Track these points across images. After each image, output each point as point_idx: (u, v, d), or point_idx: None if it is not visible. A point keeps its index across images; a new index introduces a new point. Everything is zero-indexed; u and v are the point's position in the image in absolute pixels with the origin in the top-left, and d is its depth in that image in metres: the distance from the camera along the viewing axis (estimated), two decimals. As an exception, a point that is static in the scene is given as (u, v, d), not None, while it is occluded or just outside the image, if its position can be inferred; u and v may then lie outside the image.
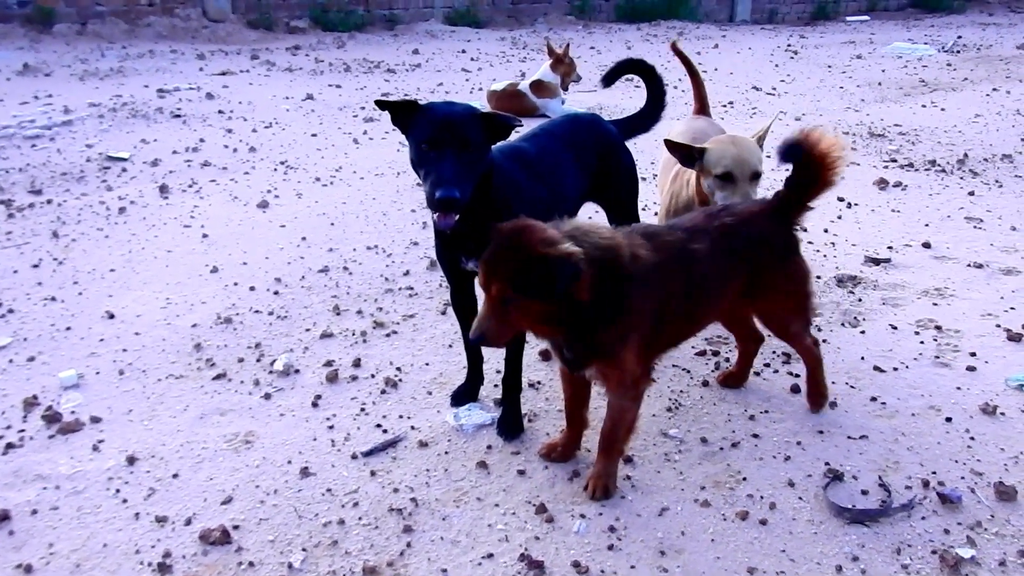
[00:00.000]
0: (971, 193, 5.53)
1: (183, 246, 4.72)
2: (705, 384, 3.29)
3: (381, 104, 2.66)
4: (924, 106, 8.25)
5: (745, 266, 2.77)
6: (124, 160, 6.27)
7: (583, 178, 3.27)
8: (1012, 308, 3.85)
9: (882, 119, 7.68)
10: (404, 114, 2.64)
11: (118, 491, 2.69)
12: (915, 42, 12.42)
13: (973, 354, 3.45)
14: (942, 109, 8.06)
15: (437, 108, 2.60)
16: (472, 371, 3.20)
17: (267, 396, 3.24)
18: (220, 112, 7.82)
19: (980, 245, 4.63)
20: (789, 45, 12.60)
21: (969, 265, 4.35)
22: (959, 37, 12.95)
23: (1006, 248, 4.58)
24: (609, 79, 3.79)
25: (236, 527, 2.52)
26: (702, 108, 4.34)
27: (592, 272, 2.33)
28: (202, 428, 3.04)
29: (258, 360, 3.50)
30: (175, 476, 2.76)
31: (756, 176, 3.22)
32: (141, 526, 2.53)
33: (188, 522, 2.54)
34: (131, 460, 2.83)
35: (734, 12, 16.21)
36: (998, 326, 3.68)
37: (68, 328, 3.77)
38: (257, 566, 2.37)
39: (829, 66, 10.85)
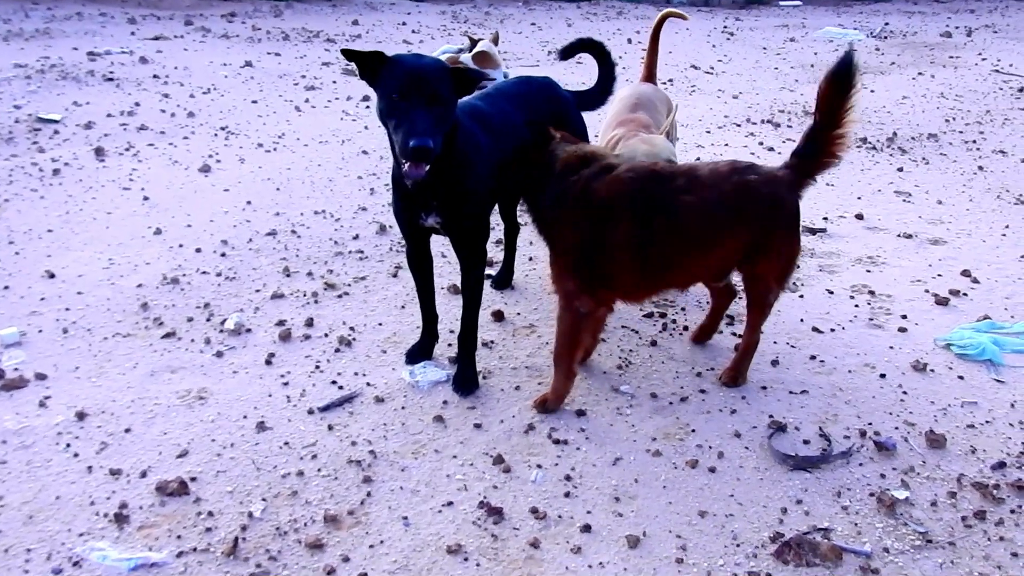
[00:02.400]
0: (900, 169, 5.75)
1: (123, 208, 4.61)
2: (653, 344, 3.38)
3: (348, 54, 2.61)
4: (855, 88, 8.49)
5: (755, 226, 2.74)
6: (56, 122, 6.06)
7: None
8: (939, 275, 4.04)
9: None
10: (372, 65, 2.61)
11: (68, 445, 2.65)
12: (845, 27, 12.74)
13: (904, 316, 3.63)
14: (871, 91, 8.32)
15: (407, 60, 2.56)
16: (426, 330, 3.23)
17: (219, 354, 3.21)
18: (155, 77, 7.61)
19: (909, 217, 4.84)
20: (725, 27, 12.80)
21: (899, 235, 4.54)
22: (886, 24, 13.35)
23: (933, 220, 4.80)
24: (566, 53, 3.80)
25: (193, 479, 2.51)
26: (649, 76, 4.41)
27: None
28: (153, 385, 3.00)
29: (208, 320, 3.46)
30: (127, 431, 2.73)
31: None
32: (95, 479, 2.50)
33: (143, 475, 2.52)
34: (80, 416, 2.79)
35: (672, -6, 16.35)
36: (926, 291, 3.87)
37: (6, 287, 3.66)
38: (217, 515, 2.37)
39: (764, 48, 11.07)
